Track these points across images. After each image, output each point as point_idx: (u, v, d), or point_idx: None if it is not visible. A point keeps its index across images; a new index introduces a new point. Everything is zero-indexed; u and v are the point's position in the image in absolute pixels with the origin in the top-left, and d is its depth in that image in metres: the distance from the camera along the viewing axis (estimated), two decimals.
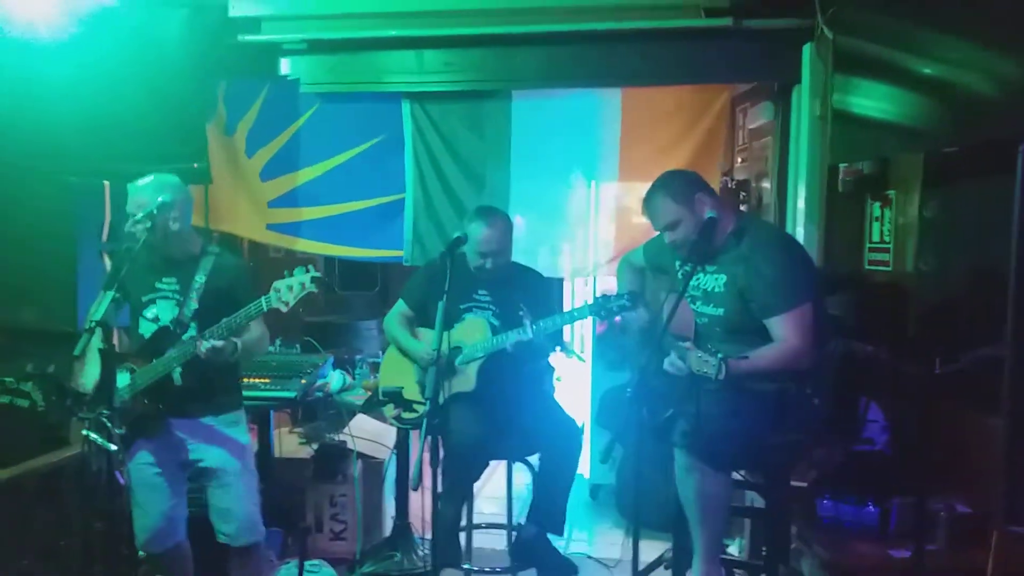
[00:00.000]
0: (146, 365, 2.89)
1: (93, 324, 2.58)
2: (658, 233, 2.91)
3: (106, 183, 3.84)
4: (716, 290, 2.71)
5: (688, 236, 2.72)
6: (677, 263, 2.88)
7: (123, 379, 2.89)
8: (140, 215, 2.80)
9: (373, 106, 4.15)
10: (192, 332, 2.87)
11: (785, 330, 2.54)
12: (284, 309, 2.74)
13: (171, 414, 2.94)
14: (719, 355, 2.36)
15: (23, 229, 3.68)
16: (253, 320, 2.84)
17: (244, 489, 2.98)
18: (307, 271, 2.74)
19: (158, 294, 2.97)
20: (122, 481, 2.84)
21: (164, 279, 2.97)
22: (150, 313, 2.96)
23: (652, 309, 2.84)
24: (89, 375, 2.84)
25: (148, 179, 2.90)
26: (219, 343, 2.74)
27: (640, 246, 3.22)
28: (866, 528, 3.02)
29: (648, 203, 2.81)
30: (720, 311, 2.69)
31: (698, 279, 2.77)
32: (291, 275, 2.74)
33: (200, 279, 2.93)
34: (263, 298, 2.75)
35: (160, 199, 2.82)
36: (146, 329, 2.95)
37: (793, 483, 2.96)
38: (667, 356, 2.57)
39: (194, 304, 2.92)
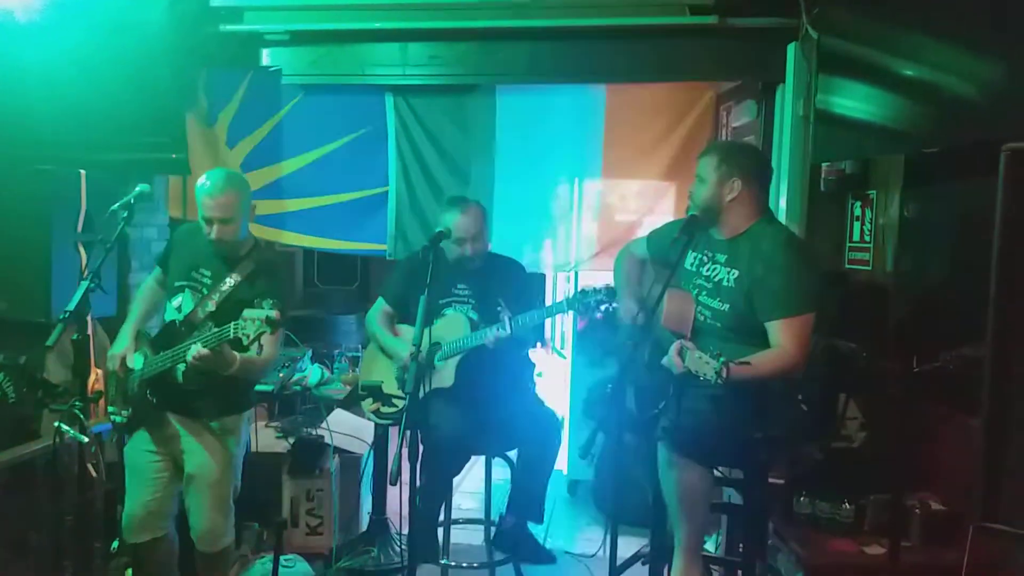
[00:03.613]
0: (155, 355, 2.82)
1: (67, 315, 2.51)
2: (664, 224, 2.92)
3: (82, 172, 3.76)
4: (727, 284, 2.66)
5: (705, 200, 2.68)
6: (688, 251, 2.79)
7: (138, 361, 2.85)
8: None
9: (356, 98, 4.12)
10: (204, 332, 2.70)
11: (786, 336, 2.52)
12: (245, 342, 2.50)
13: (172, 409, 2.87)
14: (721, 359, 2.32)
15: None
16: (234, 341, 2.55)
17: (214, 499, 2.88)
18: (271, 307, 2.53)
19: (189, 283, 2.88)
20: (94, 474, 2.80)
21: (202, 268, 2.88)
22: (176, 301, 2.88)
23: (648, 303, 2.76)
24: (61, 366, 2.80)
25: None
26: (205, 350, 2.57)
27: (643, 236, 3.10)
28: (842, 525, 3.05)
29: (707, 150, 2.77)
30: (726, 307, 2.66)
31: (711, 269, 2.73)
32: (260, 307, 2.54)
33: (231, 281, 2.82)
34: (232, 324, 2.53)
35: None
36: (169, 316, 2.88)
37: (771, 480, 2.96)
38: (663, 350, 2.54)
39: (211, 306, 2.80)
